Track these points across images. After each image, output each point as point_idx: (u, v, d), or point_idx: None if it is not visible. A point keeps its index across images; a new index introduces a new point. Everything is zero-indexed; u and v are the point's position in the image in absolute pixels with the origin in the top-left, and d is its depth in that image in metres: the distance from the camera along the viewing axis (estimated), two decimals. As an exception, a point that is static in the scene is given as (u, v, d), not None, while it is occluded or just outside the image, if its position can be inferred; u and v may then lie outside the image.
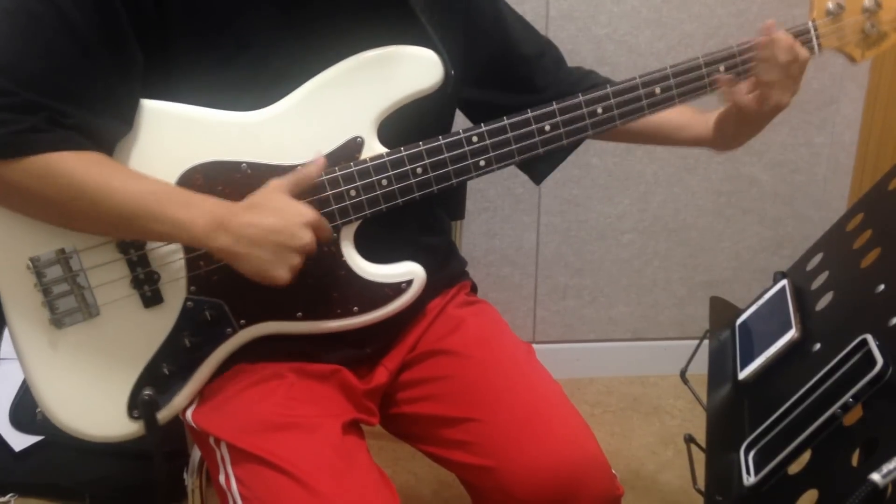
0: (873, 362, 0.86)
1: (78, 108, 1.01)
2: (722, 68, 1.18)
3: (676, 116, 1.31)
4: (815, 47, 1.21)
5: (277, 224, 1.02)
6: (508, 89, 1.31)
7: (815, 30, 1.21)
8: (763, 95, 1.19)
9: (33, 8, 0.99)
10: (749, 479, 0.90)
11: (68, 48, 1.00)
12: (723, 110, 1.25)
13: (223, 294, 1.10)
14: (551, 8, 2.06)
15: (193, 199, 1.05)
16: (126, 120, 1.06)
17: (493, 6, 1.31)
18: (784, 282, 1.19)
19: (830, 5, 1.21)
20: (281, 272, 1.03)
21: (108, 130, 1.05)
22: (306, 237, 1.04)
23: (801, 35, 1.20)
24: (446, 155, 1.13)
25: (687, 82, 1.18)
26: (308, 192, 1.09)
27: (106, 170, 1.03)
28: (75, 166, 1.01)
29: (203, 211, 1.03)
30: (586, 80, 1.36)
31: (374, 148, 1.12)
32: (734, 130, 1.26)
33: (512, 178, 2.19)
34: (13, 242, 1.06)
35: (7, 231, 1.06)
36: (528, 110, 1.14)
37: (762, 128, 1.25)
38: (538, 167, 1.37)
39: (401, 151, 1.12)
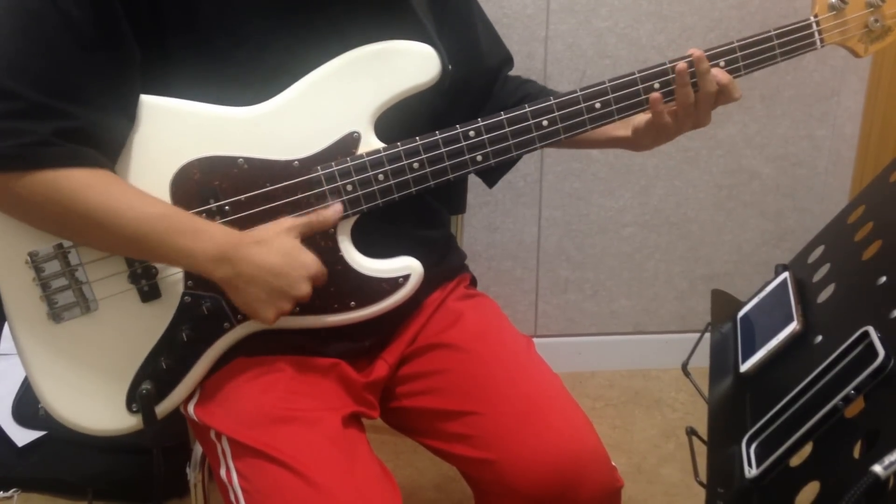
0: (875, 354, 0.86)
1: (83, 107, 1.01)
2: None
3: None
4: (818, 43, 1.21)
5: (281, 268, 1.04)
6: (460, 99, 1.29)
7: (818, 25, 1.20)
8: (685, 117, 1.19)
9: (32, 6, 0.99)
10: (751, 472, 0.90)
11: (69, 46, 1.00)
12: (643, 119, 1.23)
13: (220, 289, 1.10)
14: (552, 1, 2.05)
15: (201, 226, 1.05)
16: (131, 116, 1.06)
17: (467, 12, 1.31)
18: (785, 274, 1.18)
19: (833, 0, 1.20)
20: (269, 313, 1.06)
21: (114, 128, 1.05)
22: (304, 289, 1.06)
23: (803, 30, 1.19)
24: (443, 150, 1.12)
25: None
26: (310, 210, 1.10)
27: (113, 190, 1.02)
28: (82, 185, 1.00)
29: (210, 240, 1.03)
30: (521, 90, 1.36)
31: (370, 143, 1.11)
32: (652, 140, 1.25)
33: (513, 171, 2.16)
34: (12, 237, 1.06)
35: (6, 226, 1.06)
36: (526, 105, 1.14)
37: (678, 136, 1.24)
38: (492, 173, 1.37)
39: (397, 146, 1.11)
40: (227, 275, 1.04)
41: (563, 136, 1.16)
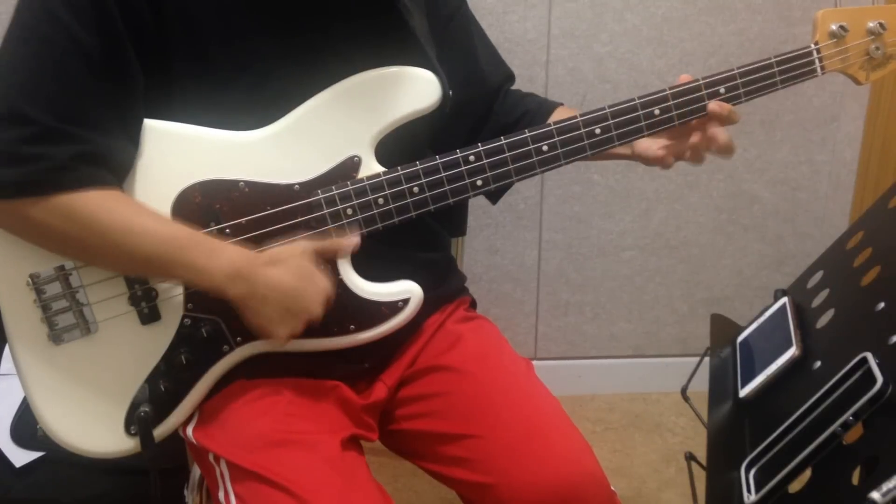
0: (873, 381, 0.86)
1: (94, 132, 1.02)
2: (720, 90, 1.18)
3: None
4: (818, 70, 1.21)
5: (295, 289, 1.04)
6: (464, 119, 1.31)
7: (818, 52, 1.20)
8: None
9: (44, 33, 1.00)
10: (750, 498, 0.90)
11: (80, 71, 1.00)
12: (647, 146, 1.23)
13: (220, 311, 1.10)
14: (553, 26, 2.07)
15: (215, 245, 1.05)
16: (136, 141, 1.07)
17: (467, 35, 1.32)
18: (785, 299, 1.19)
19: (834, 27, 1.20)
20: (281, 332, 1.07)
21: (123, 153, 1.06)
22: (317, 311, 1.06)
23: (804, 58, 1.20)
24: (443, 174, 1.13)
25: (686, 104, 1.17)
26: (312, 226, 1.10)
27: (128, 211, 1.03)
28: (98, 207, 1.01)
29: (226, 259, 1.04)
30: (521, 106, 1.36)
31: (371, 167, 1.12)
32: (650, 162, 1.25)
33: (513, 194, 2.18)
34: (14, 259, 1.06)
35: (8, 247, 1.06)
36: (526, 130, 1.14)
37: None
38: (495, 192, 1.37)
39: (397, 171, 1.12)
40: (241, 293, 1.05)
41: (563, 162, 1.16)
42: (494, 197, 1.38)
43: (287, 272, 1.04)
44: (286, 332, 1.07)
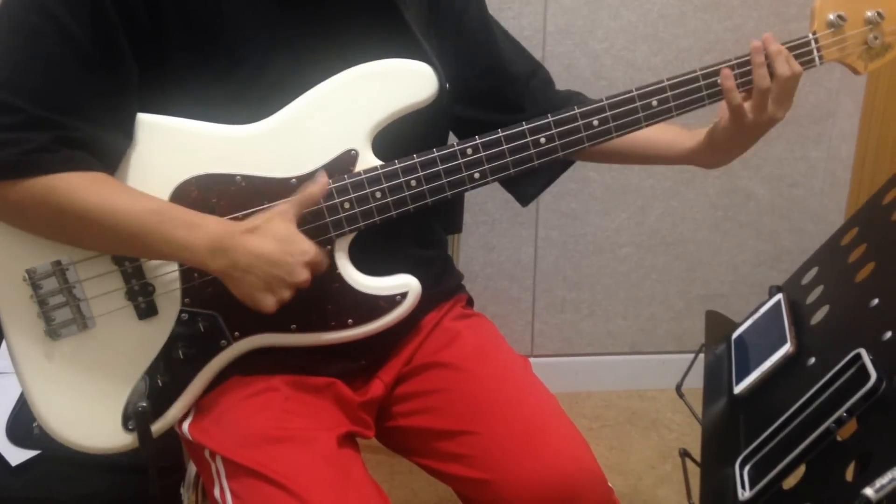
0: (867, 377, 0.86)
1: (83, 121, 1.02)
2: (718, 80, 1.18)
3: (663, 133, 1.29)
4: (816, 59, 1.20)
5: (277, 254, 1.02)
6: (495, 108, 1.30)
7: (816, 42, 1.19)
8: (760, 105, 1.17)
9: (33, 22, 1.00)
10: (744, 494, 0.90)
11: (70, 61, 1.01)
12: (715, 123, 1.22)
13: (217, 306, 1.10)
14: (549, 23, 2.07)
15: (195, 219, 1.04)
16: (128, 133, 1.07)
17: (484, 25, 1.32)
18: (779, 296, 1.19)
19: (831, 17, 1.19)
20: (268, 301, 1.04)
21: (113, 144, 1.06)
22: (303, 275, 1.04)
23: (802, 48, 1.20)
24: (440, 167, 1.13)
25: (684, 94, 1.17)
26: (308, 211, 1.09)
27: (108, 189, 1.03)
28: (77, 187, 1.01)
29: (205, 232, 1.03)
30: (573, 101, 1.35)
31: (368, 160, 1.12)
32: (727, 143, 1.23)
33: (510, 191, 2.19)
34: (9, 254, 1.06)
35: (3, 243, 1.06)
36: (524, 123, 1.14)
37: (753, 142, 1.24)
38: (524, 188, 1.37)
39: (395, 164, 1.12)
40: (223, 266, 1.03)
41: (560, 154, 1.16)
42: (524, 197, 1.39)
43: (266, 238, 1.03)
44: (273, 301, 1.04)
